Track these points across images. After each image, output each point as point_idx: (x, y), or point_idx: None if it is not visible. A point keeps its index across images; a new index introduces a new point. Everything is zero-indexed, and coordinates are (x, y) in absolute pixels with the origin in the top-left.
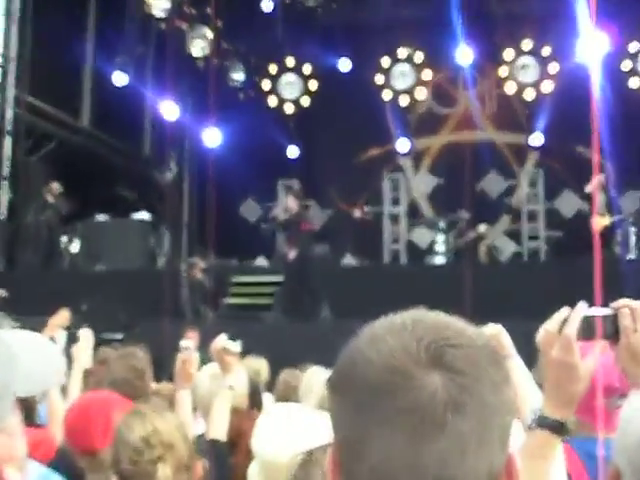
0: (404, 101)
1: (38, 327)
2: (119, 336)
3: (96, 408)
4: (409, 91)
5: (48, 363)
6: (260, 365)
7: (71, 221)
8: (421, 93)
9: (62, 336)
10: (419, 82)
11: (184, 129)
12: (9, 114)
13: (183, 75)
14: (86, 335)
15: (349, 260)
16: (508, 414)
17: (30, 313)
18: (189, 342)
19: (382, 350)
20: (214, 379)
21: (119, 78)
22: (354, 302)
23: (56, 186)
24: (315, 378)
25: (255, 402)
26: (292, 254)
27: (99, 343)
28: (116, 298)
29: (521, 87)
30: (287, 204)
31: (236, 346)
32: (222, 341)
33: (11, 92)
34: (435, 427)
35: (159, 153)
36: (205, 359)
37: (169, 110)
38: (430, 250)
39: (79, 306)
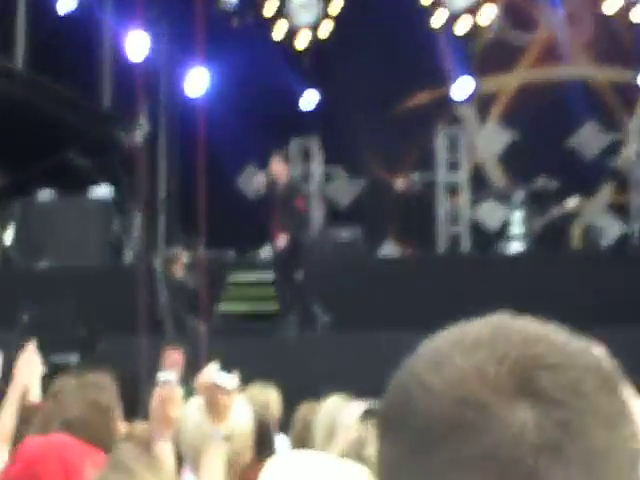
0: (464, 26)
1: None
2: (74, 358)
3: (51, 458)
4: (471, 11)
5: None
6: (269, 396)
7: (3, 200)
8: (487, 14)
9: None
10: None
11: (157, 71)
12: None
13: None
14: (29, 354)
15: (389, 249)
16: (628, 459)
17: None
18: (169, 374)
19: (449, 375)
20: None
21: (65, 3)
22: (397, 307)
23: None
24: (338, 412)
25: (263, 448)
26: (282, 241)
27: (47, 369)
28: (68, 306)
29: (628, 4)
30: (272, 170)
31: (232, 381)
32: (212, 375)
33: None
34: (523, 478)
35: (124, 105)
36: (191, 391)
37: (136, 45)
38: (502, 233)
39: (17, 317)
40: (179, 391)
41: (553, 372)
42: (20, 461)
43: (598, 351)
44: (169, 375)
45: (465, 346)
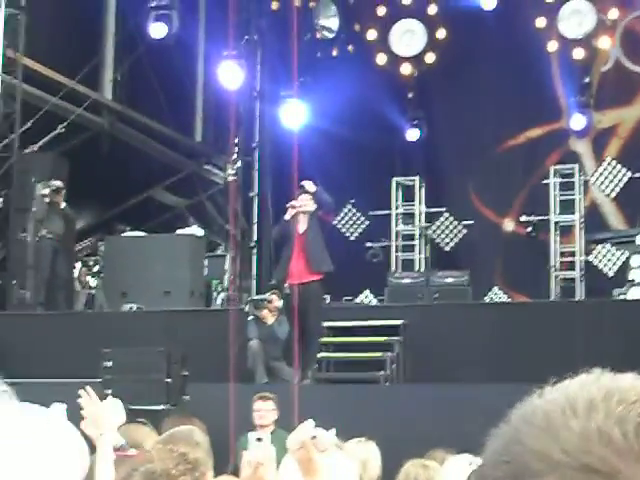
0: (579, 54)
1: (40, 395)
2: (160, 407)
3: None
4: (586, 39)
5: (61, 457)
6: (368, 453)
7: (89, 240)
8: (604, 42)
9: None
10: (601, 26)
11: (252, 103)
12: None
13: (250, 22)
14: (112, 406)
15: (497, 294)
16: None
17: (27, 374)
18: (261, 433)
19: (568, 442)
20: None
21: (157, 28)
22: (505, 357)
23: (58, 185)
24: (457, 473)
25: None
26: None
27: (131, 417)
28: (155, 352)
29: None
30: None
31: (330, 436)
32: (309, 429)
33: None
34: None
35: (216, 139)
36: (283, 442)
37: (230, 75)
38: (621, 278)
39: (100, 363)
40: (272, 452)
41: None
42: None
43: None
44: (261, 435)
45: (577, 409)
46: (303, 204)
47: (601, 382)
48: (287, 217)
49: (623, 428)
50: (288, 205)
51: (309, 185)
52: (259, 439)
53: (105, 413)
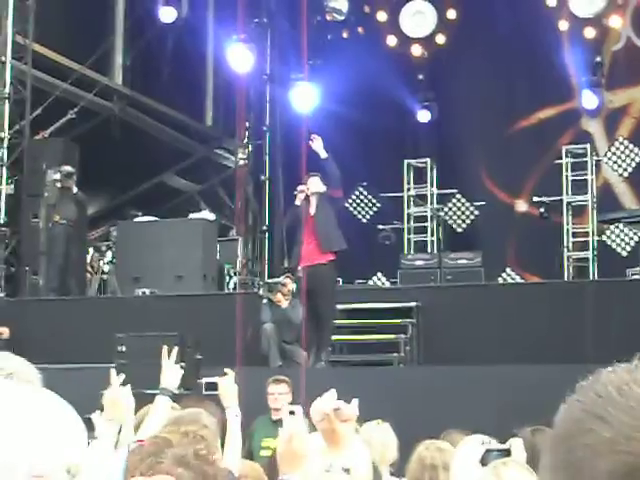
0: (590, 33)
1: (54, 381)
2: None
3: None
4: (597, 18)
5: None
6: (385, 435)
7: (101, 225)
8: (615, 21)
9: None
10: (612, 4)
11: (262, 87)
12: (7, 69)
13: (259, 4)
14: (117, 390)
15: (510, 275)
16: None
17: (41, 360)
18: (295, 406)
19: None
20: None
21: (167, 12)
22: (518, 339)
23: (69, 170)
24: (470, 455)
25: None
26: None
27: (144, 402)
28: (167, 336)
29: None
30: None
31: (353, 408)
32: (332, 400)
33: (8, 37)
34: None
35: (226, 123)
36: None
37: (240, 59)
38: (634, 258)
39: (114, 348)
40: (305, 425)
41: None
42: None
43: None
44: (295, 408)
45: None
46: (312, 187)
47: None
48: (298, 202)
49: None
50: (297, 191)
51: (316, 139)
52: (292, 412)
53: (124, 399)
